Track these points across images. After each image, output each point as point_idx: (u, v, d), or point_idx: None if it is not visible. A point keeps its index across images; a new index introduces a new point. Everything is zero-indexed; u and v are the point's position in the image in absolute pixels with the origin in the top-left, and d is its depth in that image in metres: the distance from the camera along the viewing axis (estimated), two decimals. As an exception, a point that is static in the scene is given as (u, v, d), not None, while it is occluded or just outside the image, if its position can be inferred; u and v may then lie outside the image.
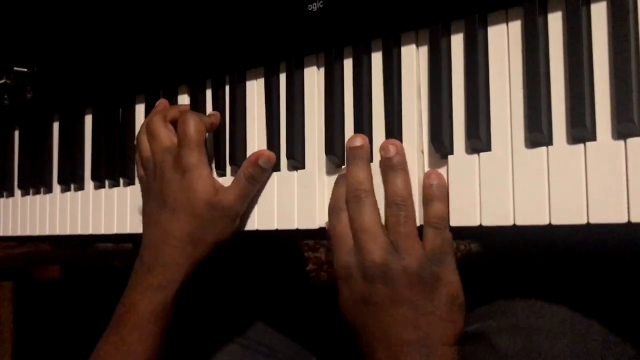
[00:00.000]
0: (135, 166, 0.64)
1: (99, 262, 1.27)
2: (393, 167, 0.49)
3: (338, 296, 0.51)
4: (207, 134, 0.60)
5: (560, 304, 0.50)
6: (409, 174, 0.49)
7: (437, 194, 0.47)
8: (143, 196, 0.62)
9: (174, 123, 0.60)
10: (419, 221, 0.49)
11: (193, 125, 0.57)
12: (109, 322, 0.57)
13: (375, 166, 0.51)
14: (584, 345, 0.48)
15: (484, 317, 0.53)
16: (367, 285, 0.48)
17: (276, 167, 0.58)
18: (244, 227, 0.59)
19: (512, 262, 0.57)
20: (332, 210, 0.52)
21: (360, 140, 0.50)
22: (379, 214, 0.49)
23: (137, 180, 0.69)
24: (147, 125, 0.60)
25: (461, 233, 0.48)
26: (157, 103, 0.64)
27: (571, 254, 0.53)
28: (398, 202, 0.48)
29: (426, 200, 0.48)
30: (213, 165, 0.62)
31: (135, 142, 0.63)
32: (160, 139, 0.58)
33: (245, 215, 0.58)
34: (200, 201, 0.55)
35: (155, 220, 0.57)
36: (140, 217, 0.67)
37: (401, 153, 0.49)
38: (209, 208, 0.55)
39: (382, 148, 0.49)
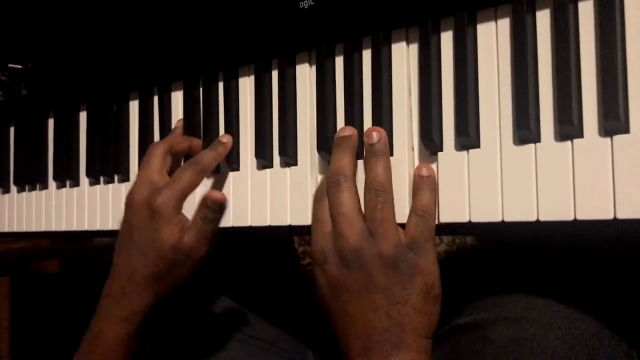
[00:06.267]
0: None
1: (96, 256, 1.28)
2: (375, 153, 0.49)
3: (315, 283, 0.51)
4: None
5: (555, 298, 0.50)
6: (393, 166, 0.49)
7: (425, 185, 0.47)
8: (121, 222, 0.61)
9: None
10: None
11: (186, 177, 0.57)
12: (79, 347, 0.59)
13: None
14: (577, 337, 0.48)
15: (479, 309, 0.53)
16: (342, 271, 0.48)
17: (269, 164, 0.58)
18: (238, 223, 0.59)
19: (508, 257, 0.58)
20: (315, 196, 0.52)
21: (349, 131, 0.51)
22: (358, 200, 0.49)
23: (131, 177, 0.69)
24: (148, 150, 0.61)
25: (452, 229, 0.48)
26: (176, 126, 0.66)
27: (566, 249, 0.54)
28: (376, 187, 0.48)
29: (415, 190, 0.48)
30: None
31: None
32: (148, 169, 0.59)
33: (238, 212, 0.59)
34: (166, 244, 0.56)
35: (126, 254, 0.59)
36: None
37: (384, 140, 0.49)
38: (174, 251, 0.56)
39: (366, 135, 0.50)
